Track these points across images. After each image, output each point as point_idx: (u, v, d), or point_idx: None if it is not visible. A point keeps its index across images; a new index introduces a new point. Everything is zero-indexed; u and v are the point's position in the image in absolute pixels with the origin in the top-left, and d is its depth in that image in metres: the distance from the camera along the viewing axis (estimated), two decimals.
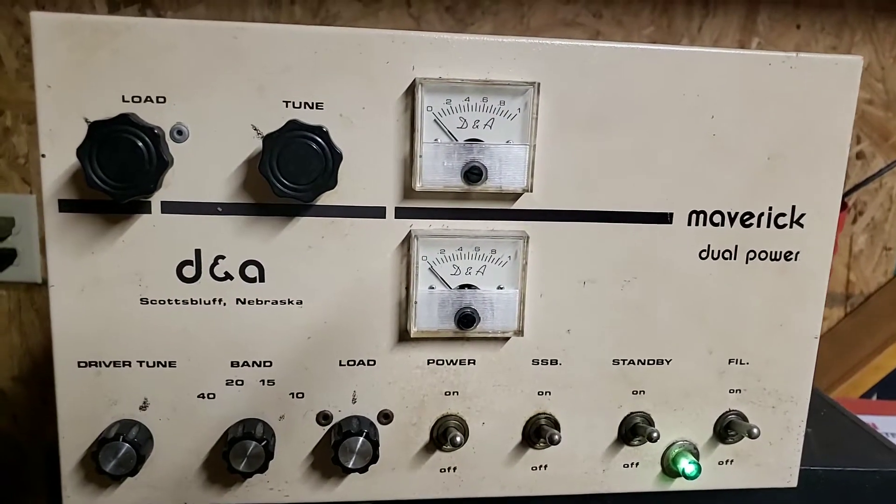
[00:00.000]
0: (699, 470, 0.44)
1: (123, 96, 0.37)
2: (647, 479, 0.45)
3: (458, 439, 0.41)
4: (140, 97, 0.37)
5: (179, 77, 0.37)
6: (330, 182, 0.37)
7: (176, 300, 0.40)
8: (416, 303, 0.40)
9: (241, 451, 0.39)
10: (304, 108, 0.38)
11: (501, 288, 0.41)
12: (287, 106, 0.38)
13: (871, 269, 0.98)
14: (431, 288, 0.41)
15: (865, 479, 0.50)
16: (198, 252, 0.39)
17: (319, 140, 0.37)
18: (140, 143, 0.35)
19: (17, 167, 0.83)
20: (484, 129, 0.39)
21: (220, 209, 0.39)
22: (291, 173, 0.37)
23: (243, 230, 0.39)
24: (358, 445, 0.40)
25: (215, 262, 0.39)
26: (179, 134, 0.38)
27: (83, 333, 0.39)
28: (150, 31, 0.37)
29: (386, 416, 0.42)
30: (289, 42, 0.37)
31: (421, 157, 0.39)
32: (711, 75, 0.40)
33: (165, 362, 0.40)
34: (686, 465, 0.44)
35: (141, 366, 0.40)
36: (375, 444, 0.40)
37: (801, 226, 0.43)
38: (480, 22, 0.87)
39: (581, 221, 0.41)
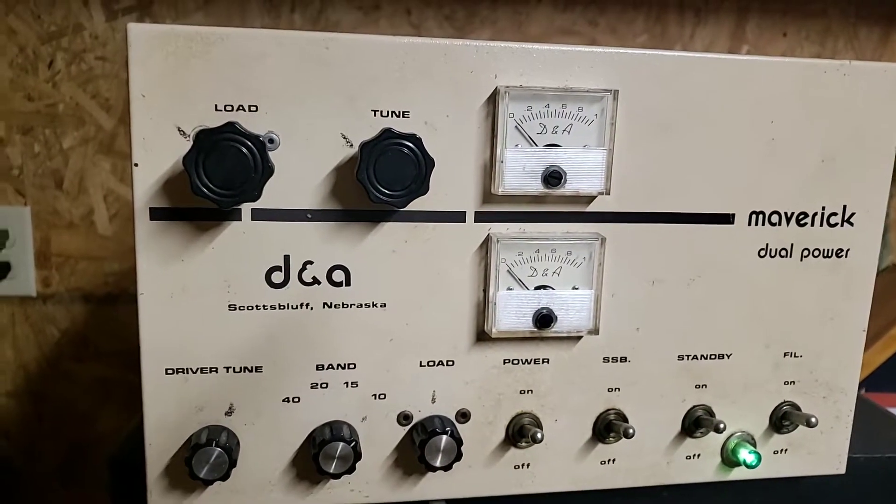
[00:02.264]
0: (759, 459, 0.46)
1: (216, 105, 0.38)
2: (708, 470, 0.47)
3: (539, 435, 0.42)
4: (233, 106, 0.38)
5: (271, 86, 0.38)
6: (423, 188, 0.38)
7: (264, 306, 0.40)
8: (494, 304, 0.42)
9: (330, 452, 0.40)
10: (392, 116, 0.39)
11: (576, 288, 0.43)
12: (375, 115, 0.39)
13: None
14: (510, 289, 0.42)
15: None
16: (286, 258, 0.40)
17: (414, 147, 0.38)
18: (246, 151, 0.35)
19: (10, 178, 0.81)
20: (563, 134, 0.41)
21: (309, 216, 0.40)
22: (387, 180, 0.38)
23: (331, 236, 0.40)
24: (443, 444, 0.41)
25: (303, 268, 0.40)
26: (271, 142, 0.38)
27: (171, 341, 0.40)
28: (242, 42, 0.37)
29: (463, 416, 0.43)
30: (378, 52, 0.38)
31: (502, 162, 0.40)
32: (771, 83, 0.43)
33: (252, 367, 0.41)
34: (746, 455, 0.46)
35: (227, 372, 0.41)
36: (459, 443, 0.42)
37: (852, 224, 0.46)
38: (479, 30, 0.88)
39: (651, 223, 0.43)
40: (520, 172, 0.40)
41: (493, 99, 0.40)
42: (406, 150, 0.38)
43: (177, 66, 0.37)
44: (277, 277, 0.40)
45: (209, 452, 0.39)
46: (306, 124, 0.39)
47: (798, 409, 0.47)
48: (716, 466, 0.47)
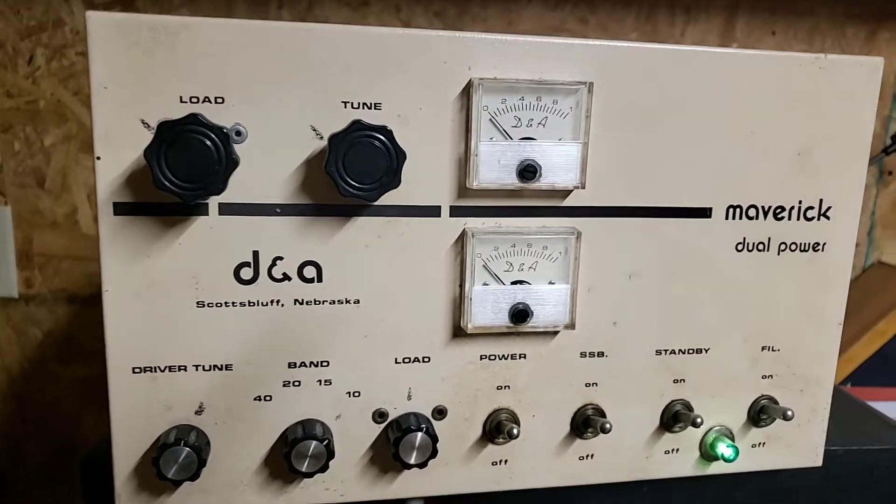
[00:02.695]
0: (737, 453, 0.46)
1: (181, 97, 0.37)
2: (687, 465, 0.47)
3: (515, 431, 0.42)
4: (198, 98, 0.37)
5: (238, 78, 0.37)
6: (394, 181, 0.37)
7: (233, 303, 0.39)
8: (470, 299, 0.41)
9: (303, 451, 0.39)
10: (363, 108, 0.38)
11: (553, 283, 0.42)
12: (346, 106, 0.38)
13: None
14: (485, 284, 0.41)
15: (881, 456, 0.52)
16: (256, 254, 0.39)
17: (384, 139, 0.37)
18: (209, 143, 0.34)
19: None
20: (537, 127, 0.40)
21: (278, 210, 0.39)
22: (357, 173, 0.37)
23: (301, 231, 0.39)
24: (418, 441, 0.41)
25: (273, 264, 0.39)
26: (238, 135, 0.37)
27: (138, 339, 0.39)
28: (208, 32, 0.36)
29: (440, 412, 0.43)
30: (348, 43, 0.38)
31: (476, 155, 0.39)
32: (747, 76, 0.42)
33: (222, 366, 0.40)
34: (724, 449, 0.46)
35: (197, 370, 0.40)
36: (434, 439, 0.41)
37: (828, 218, 0.45)
38: (469, 27, 0.88)
39: (628, 217, 0.43)
40: (495, 166, 0.40)
41: (466, 91, 0.39)
42: (377, 143, 0.37)
43: (140, 56, 0.36)
44: (247, 273, 0.39)
45: (177, 452, 0.38)
46: (275, 116, 0.38)
47: (776, 402, 0.47)
48: (694, 461, 0.47)
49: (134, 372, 0.39)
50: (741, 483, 0.50)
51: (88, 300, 0.86)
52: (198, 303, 0.39)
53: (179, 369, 0.39)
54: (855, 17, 0.98)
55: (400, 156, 0.37)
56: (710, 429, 0.47)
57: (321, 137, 0.38)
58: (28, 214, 0.82)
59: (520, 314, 0.41)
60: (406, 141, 0.38)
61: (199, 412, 0.40)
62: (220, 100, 0.37)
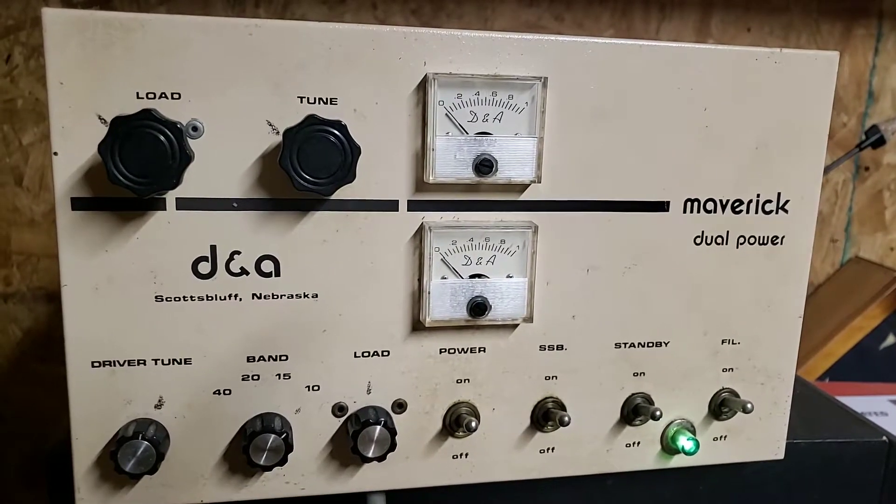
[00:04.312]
0: (697, 446, 0.46)
1: (138, 93, 0.37)
2: (648, 458, 0.48)
3: (474, 424, 0.42)
4: (155, 94, 0.37)
5: (194, 73, 0.37)
6: (349, 176, 0.38)
7: (191, 297, 0.40)
8: (429, 293, 0.41)
9: (261, 444, 0.40)
10: (319, 103, 0.39)
11: (511, 277, 0.42)
12: (302, 101, 0.39)
13: (820, 261, 1.03)
14: (444, 278, 0.42)
15: (844, 449, 0.53)
16: (213, 248, 0.39)
17: (338, 134, 0.37)
18: (163, 138, 0.35)
19: None
20: (493, 122, 0.41)
21: (235, 205, 0.39)
22: (311, 167, 0.37)
23: (259, 225, 0.39)
24: (376, 434, 0.41)
25: (231, 258, 0.40)
26: (194, 130, 0.38)
27: (97, 333, 0.39)
28: (164, 28, 0.37)
29: (400, 406, 0.43)
30: (303, 38, 0.38)
31: (433, 150, 0.40)
32: (703, 70, 0.43)
33: (181, 360, 0.40)
34: (685, 442, 0.46)
35: (156, 364, 0.40)
36: (393, 433, 0.41)
37: (786, 211, 0.46)
38: (446, 25, 0.88)
39: (585, 211, 0.43)
40: (451, 160, 0.40)
41: (422, 86, 0.40)
42: (331, 137, 0.37)
43: (95, 52, 0.36)
44: (204, 268, 0.39)
45: (135, 446, 0.38)
46: (231, 111, 0.38)
47: (737, 395, 0.47)
48: (656, 454, 0.48)
49: (93, 366, 0.39)
50: (704, 476, 0.51)
51: None
52: (156, 297, 0.39)
53: (138, 363, 0.40)
54: (829, 14, 0.99)
55: (354, 150, 0.38)
56: (671, 422, 0.47)
57: (277, 132, 0.39)
58: (6, 213, 0.82)
59: (478, 307, 0.42)
60: (363, 136, 0.39)
61: (158, 406, 0.40)
62: (176, 95, 0.37)
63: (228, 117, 0.38)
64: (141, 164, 0.35)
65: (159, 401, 0.40)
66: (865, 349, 0.94)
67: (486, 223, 0.42)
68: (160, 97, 0.37)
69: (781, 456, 0.50)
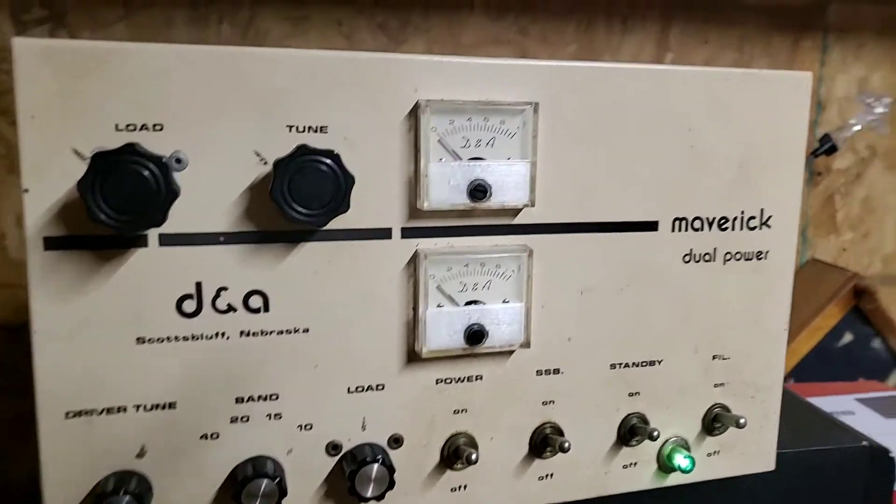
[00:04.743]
0: (694, 463, 0.46)
1: (117, 125, 0.35)
2: (645, 478, 0.47)
3: (474, 457, 0.41)
4: (135, 125, 0.35)
5: (176, 104, 0.35)
6: (343, 206, 0.36)
7: (175, 337, 0.37)
8: (425, 322, 0.40)
9: (253, 490, 0.38)
10: (308, 132, 0.37)
11: (507, 301, 0.42)
12: (291, 130, 0.37)
13: None
14: (440, 306, 0.41)
15: (827, 456, 0.54)
16: (198, 285, 0.37)
17: (331, 164, 0.36)
18: (148, 174, 0.33)
19: None
20: (486, 147, 0.40)
21: (221, 239, 0.37)
22: (304, 199, 0.36)
23: (246, 259, 0.38)
24: (375, 473, 0.39)
25: (217, 295, 0.38)
26: (178, 162, 0.36)
27: (72, 381, 0.36)
28: (143, 57, 0.35)
29: (396, 441, 0.42)
30: (290, 66, 0.37)
31: (426, 176, 0.39)
32: (685, 91, 0.43)
33: (164, 404, 0.38)
34: (681, 460, 0.46)
35: (137, 410, 0.37)
36: (391, 470, 0.40)
37: (769, 226, 0.47)
38: (413, 39, 0.88)
39: (577, 233, 0.43)
40: (445, 187, 0.39)
41: (414, 113, 0.39)
42: (323, 167, 0.36)
43: (70, 83, 0.34)
44: (189, 306, 0.37)
45: (116, 502, 0.35)
46: (216, 142, 0.36)
47: (728, 410, 0.48)
48: (653, 473, 0.47)
49: (67, 417, 0.37)
50: (697, 490, 0.51)
51: (19, 329, 0.81)
52: (137, 339, 0.37)
53: (118, 411, 0.37)
54: (780, 27, 1.03)
55: (348, 180, 0.36)
56: (667, 440, 0.47)
57: (265, 163, 0.37)
58: None
59: (475, 335, 0.41)
60: (354, 164, 0.37)
61: (140, 455, 0.38)
62: (158, 127, 0.35)
63: (214, 148, 0.36)
64: (125, 201, 0.32)
65: (141, 450, 0.38)
66: (825, 348, 0.97)
67: (480, 248, 0.41)
68: (141, 129, 0.35)
69: (773, 467, 0.50)
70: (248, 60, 0.36)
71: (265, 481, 0.38)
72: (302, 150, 0.36)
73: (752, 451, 0.49)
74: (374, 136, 0.38)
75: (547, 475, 0.45)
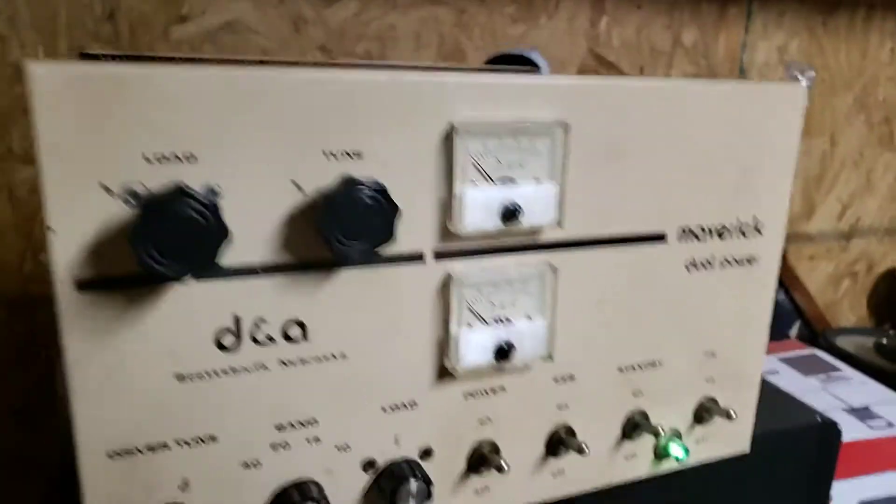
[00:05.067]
0: (687, 453, 0.50)
1: (146, 156, 0.33)
2: (643, 467, 0.51)
3: (504, 465, 0.43)
4: (166, 156, 0.33)
5: (208, 132, 0.34)
6: (389, 237, 0.36)
7: (215, 372, 0.37)
8: (457, 342, 0.41)
9: None
10: (345, 158, 0.37)
11: (530, 318, 0.43)
12: (328, 157, 0.36)
13: None
14: (469, 325, 0.41)
15: (788, 433, 0.59)
16: (237, 319, 0.36)
17: (378, 195, 0.35)
18: (200, 217, 0.31)
19: None
20: (517, 168, 0.40)
21: (259, 270, 0.36)
22: (352, 233, 0.35)
23: (284, 290, 0.37)
24: (414, 488, 0.40)
25: (256, 327, 0.37)
26: (213, 194, 0.34)
27: (112, 422, 0.35)
28: (171, 82, 0.33)
29: (427, 453, 0.43)
30: (322, 90, 0.35)
31: (460, 200, 0.39)
32: (695, 104, 0.45)
33: (206, 437, 0.37)
34: (676, 450, 0.50)
35: (180, 446, 0.37)
36: (429, 483, 0.41)
37: (760, 233, 0.50)
38: (346, 6, 0.87)
39: (597, 247, 0.44)
40: (478, 210, 0.39)
41: (448, 135, 0.38)
42: (370, 199, 0.35)
43: (94, 113, 0.32)
44: (228, 340, 0.36)
45: None
46: (251, 171, 0.35)
47: (717, 403, 0.51)
48: (649, 462, 0.51)
49: (109, 457, 0.35)
50: (682, 474, 0.55)
51: None
52: (176, 375, 0.36)
53: (161, 448, 0.36)
54: None
55: (395, 210, 0.36)
56: (664, 433, 0.50)
57: (302, 191, 0.36)
58: None
59: (503, 352, 0.42)
60: (390, 189, 0.37)
61: (183, 487, 0.37)
62: (190, 157, 0.34)
63: (249, 178, 0.35)
64: (178, 247, 0.31)
65: (184, 482, 0.37)
66: None
67: (508, 267, 0.42)
68: (174, 160, 0.33)
69: (748, 449, 0.55)
70: (278, 85, 0.34)
71: None
72: (347, 182, 0.35)
73: (732, 436, 0.53)
74: (407, 160, 0.38)
75: (559, 471, 0.48)
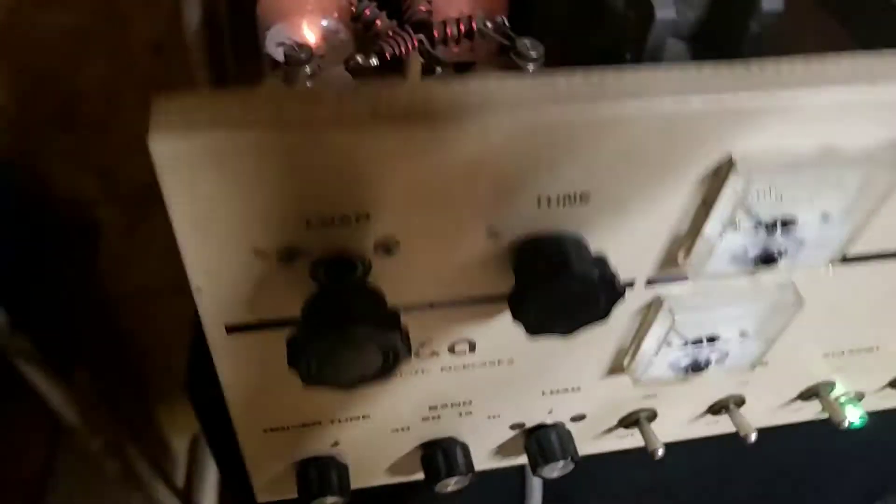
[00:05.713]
0: (864, 420, 0.45)
1: (309, 220, 0.24)
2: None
3: (660, 451, 0.40)
4: (332, 219, 0.24)
5: (382, 188, 0.24)
6: (602, 319, 0.28)
7: None
8: (649, 358, 0.35)
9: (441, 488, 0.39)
10: (565, 203, 0.26)
11: (744, 335, 0.35)
12: (539, 203, 0.26)
13: None
14: (668, 344, 0.35)
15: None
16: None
17: (596, 280, 0.26)
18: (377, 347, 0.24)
19: None
20: (803, 203, 0.28)
21: (431, 306, 0.30)
22: (556, 315, 0.27)
23: (455, 318, 0.31)
24: (560, 465, 0.40)
25: (421, 346, 0.32)
26: (387, 252, 0.26)
27: (265, 411, 0.34)
28: (327, 146, 0.22)
29: (580, 417, 0.41)
30: (532, 129, 0.23)
31: (710, 245, 0.28)
32: None
33: (359, 416, 0.36)
34: (852, 412, 0.45)
35: (332, 423, 0.36)
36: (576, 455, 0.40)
37: None
38: None
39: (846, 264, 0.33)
40: (728, 254, 0.29)
41: (718, 170, 0.26)
42: (585, 289, 0.26)
43: (241, 183, 0.22)
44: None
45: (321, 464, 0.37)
46: (436, 224, 0.26)
47: None
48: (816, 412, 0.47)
49: (265, 431, 0.35)
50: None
51: None
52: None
53: (314, 424, 0.36)
54: None
55: (616, 295, 0.27)
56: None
57: (497, 236, 0.27)
58: None
59: (698, 367, 0.36)
60: (609, 221, 0.27)
61: (334, 445, 0.38)
62: (365, 216, 0.25)
63: (433, 229, 0.26)
64: (353, 373, 0.25)
65: (335, 442, 0.37)
66: None
67: (733, 288, 0.33)
68: (340, 223, 0.25)
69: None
70: (463, 125, 0.23)
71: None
72: (560, 269, 0.25)
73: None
74: (649, 197, 0.27)
75: (714, 421, 0.45)
